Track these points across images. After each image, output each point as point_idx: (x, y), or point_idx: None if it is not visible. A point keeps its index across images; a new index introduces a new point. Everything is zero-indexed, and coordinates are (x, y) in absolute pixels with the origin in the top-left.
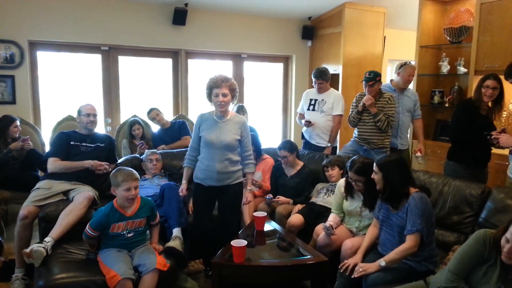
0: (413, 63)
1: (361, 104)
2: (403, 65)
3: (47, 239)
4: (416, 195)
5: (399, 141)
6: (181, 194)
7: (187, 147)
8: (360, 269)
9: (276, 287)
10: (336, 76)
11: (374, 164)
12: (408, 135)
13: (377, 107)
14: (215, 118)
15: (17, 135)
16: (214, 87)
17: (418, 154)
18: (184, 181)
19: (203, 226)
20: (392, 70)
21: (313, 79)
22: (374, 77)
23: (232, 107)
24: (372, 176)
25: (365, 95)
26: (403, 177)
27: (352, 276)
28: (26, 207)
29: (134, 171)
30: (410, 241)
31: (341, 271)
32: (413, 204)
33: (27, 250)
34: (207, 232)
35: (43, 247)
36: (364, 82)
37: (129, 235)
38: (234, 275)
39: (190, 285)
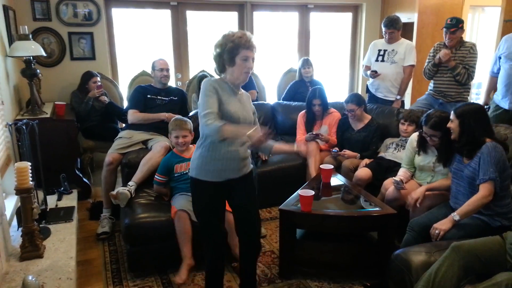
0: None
1: (437, 57)
2: None
3: (130, 183)
4: (490, 144)
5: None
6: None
7: (253, 101)
8: (437, 231)
9: (343, 238)
10: (410, 25)
11: (452, 112)
12: None
13: (457, 57)
14: (233, 88)
15: (100, 92)
16: (244, 47)
17: None
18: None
19: (219, 239)
20: (474, 17)
21: (383, 29)
22: (456, 24)
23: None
24: (448, 124)
25: (444, 44)
26: (481, 126)
27: (433, 240)
28: (111, 154)
29: (187, 121)
30: (483, 190)
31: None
32: (486, 152)
33: (114, 192)
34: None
35: (128, 190)
36: (445, 29)
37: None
38: (300, 223)
39: None
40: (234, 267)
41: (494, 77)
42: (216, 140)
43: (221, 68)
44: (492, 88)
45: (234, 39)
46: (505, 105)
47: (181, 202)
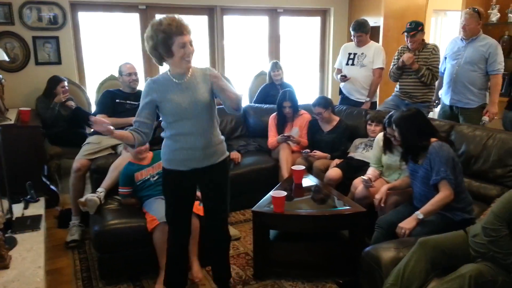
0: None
1: (401, 60)
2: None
3: (99, 189)
4: (435, 144)
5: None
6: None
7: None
8: (402, 230)
9: (315, 237)
10: (376, 28)
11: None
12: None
13: (421, 59)
14: (174, 80)
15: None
16: (175, 34)
17: (485, 117)
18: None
19: (184, 227)
20: (437, 21)
21: (352, 32)
22: (415, 27)
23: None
24: (390, 133)
25: (407, 47)
26: (416, 131)
27: (399, 237)
28: (79, 160)
29: None
30: (443, 190)
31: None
32: (434, 153)
33: (82, 199)
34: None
35: (97, 197)
36: (405, 33)
37: (154, 178)
38: (273, 224)
39: (232, 232)
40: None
41: (441, 76)
42: (174, 132)
43: (159, 61)
44: (440, 87)
45: (164, 28)
46: (447, 101)
47: (158, 210)
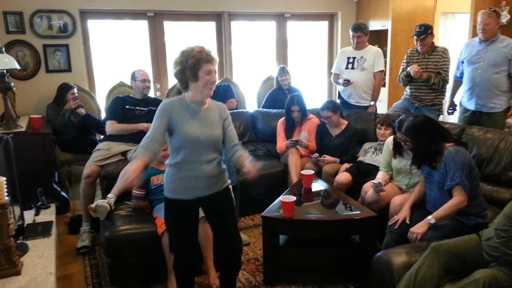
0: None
1: (408, 71)
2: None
3: (109, 195)
4: (452, 149)
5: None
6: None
7: (232, 109)
8: (414, 235)
9: (325, 242)
10: (384, 32)
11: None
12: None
13: (430, 62)
14: (192, 107)
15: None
16: (205, 61)
17: (510, 120)
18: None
19: (189, 256)
20: (445, 24)
21: (351, 33)
22: (425, 30)
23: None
24: (403, 142)
25: (416, 51)
26: (429, 137)
27: (411, 242)
28: (89, 167)
29: None
30: (457, 196)
31: (390, 224)
32: (450, 158)
33: (93, 205)
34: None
35: (107, 203)
36: (415, 36)
37: None
38: (283, 229)
39: (242, 238)
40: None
41: (457, 81)
42: (180, 160)
43: (184, 86)
44: (456, 91)
45: (195, 54)
46: (471, 107)
47: None
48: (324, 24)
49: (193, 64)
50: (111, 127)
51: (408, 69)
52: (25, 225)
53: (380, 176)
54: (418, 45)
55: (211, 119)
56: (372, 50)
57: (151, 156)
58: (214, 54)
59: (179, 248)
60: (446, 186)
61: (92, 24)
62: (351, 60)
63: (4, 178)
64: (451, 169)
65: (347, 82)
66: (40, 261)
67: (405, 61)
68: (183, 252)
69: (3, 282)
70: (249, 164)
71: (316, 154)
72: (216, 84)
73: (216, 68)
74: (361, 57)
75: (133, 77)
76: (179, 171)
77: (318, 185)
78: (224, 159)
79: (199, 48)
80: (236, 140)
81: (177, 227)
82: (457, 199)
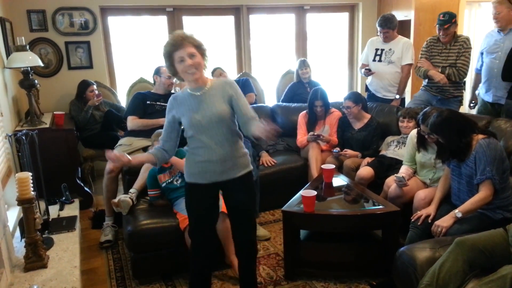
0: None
1: (430, 75)
2: None
3: (131, 190)
4: (483, 142)
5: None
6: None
7: (251, 104)
8: (439, 228)
9: (347, 237)
10: (407, 22)
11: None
12: None
13: (452, 52)
14: (190, 93)
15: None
16: (174, 50)
17: None
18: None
19: (206, 243)
20: (470, 13)
21: (378, 28)
22: (449, 19)
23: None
24: (423, 130)
25: (437, 39)
26: (459, 130)
27: (436, 237)
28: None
29: None
30: (484, 190)
31: (413, 220)
32: (481, 152)
33: (115, 200)
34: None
35: (129, 197)
36: (438, 25)
37: (178, 182)
38: (304, 224)
39: (262, 233)
40: None
41: (478, 74)
42: (195, 145)
43: (178, 77)
44: (478, 84)
45: (165, 46)
46: (489, 98)
47: None
48: (345, 16)
49: (167, 58)
50: (132, 122)
51: (429, 73)
52: (50, 219)
53: (404, 170)
54: (440, 34)
55: (211, 99)
56: (402, 42)
57: (164, 154)
58: (185, 35)
59: (195, 230)
60: (476, 180)
61: (112, 21)
62: (379, 52)
63: (30, 174)
64: (482, 163)
65: (368, 72)
66: (65, 254)
67: (424, 49)
68: (198, 235)
69: (31, 274)
70: (260, 125)
71: (338, 149)
72: (234, 79)
73: (193, 49)
74: (390, 49)
75: (158, 72)
76: (195, 156)
77: (339, 180)
78: (246, 144)
79: (170, 36)
80: (248, 114)
81: (194, 209)
82: (485, 193)
